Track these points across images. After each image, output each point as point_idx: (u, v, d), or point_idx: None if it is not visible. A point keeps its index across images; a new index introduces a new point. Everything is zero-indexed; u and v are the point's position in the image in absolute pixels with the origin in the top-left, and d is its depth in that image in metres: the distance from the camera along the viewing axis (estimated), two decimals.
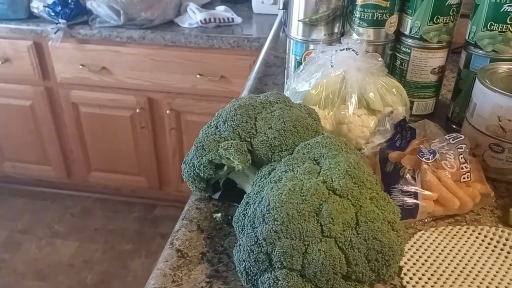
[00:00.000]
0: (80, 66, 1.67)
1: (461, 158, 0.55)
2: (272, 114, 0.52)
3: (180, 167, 0.57)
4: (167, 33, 1.57)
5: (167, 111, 1.70)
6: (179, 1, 1.68)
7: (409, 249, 0.51)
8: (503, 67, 0.65)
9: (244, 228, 0.44)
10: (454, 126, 0.75)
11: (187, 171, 0.54)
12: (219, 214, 0.55)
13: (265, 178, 0.47)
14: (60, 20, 1.58)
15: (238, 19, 1.65)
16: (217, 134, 0.52)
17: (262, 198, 0.43)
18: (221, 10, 1.67)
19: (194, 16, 1.62)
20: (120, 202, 2.05)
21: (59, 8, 1.59)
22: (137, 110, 1.71)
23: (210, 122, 0.55)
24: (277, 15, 1.51)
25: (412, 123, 0.67)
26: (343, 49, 0.63)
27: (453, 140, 0.56)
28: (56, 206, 2.07)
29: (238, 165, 0.49)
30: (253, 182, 0.48)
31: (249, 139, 0.51)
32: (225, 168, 0.52)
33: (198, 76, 1.61)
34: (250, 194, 0.47)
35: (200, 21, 1.60)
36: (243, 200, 0.47)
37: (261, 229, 0.41)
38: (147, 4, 1.59)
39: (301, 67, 0.69)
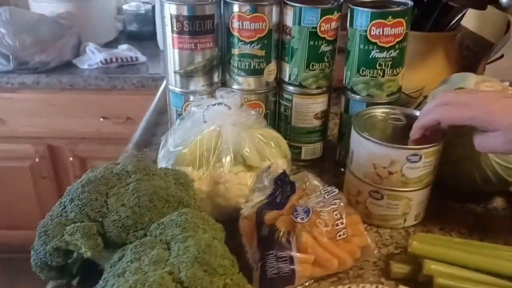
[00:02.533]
0: None
1: (336, 214, 0.53)
2: (127, 188, 0.47)
3: None
4: (64, 76, 1.47)
5: (70, 158, 1.58)
6: (77, 41, 1.59)
7: None
8: (378, 111, 0.65)
9: None
10: (342, 169, 0.74)
11: (34, 260, 0.47)
12: None
13: (114, 266, 0.41)
14: None
15: (143, 58, 1.60)
16: (64, 216, 0.46)
17: None
18: (124, 49, 1.61)
19: (94, 57, 1.54)
20: (26, 261, 1.84)
21: None
22: (36, 160, 1.58)
23: (61, 200, 0.49)
24: None
25: (300, 169, 0.65)
26: (215, 104, 0.60)
27: (327, 195, 0.54)
28: None
29: (86, 252, 0.43)
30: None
31: (100, 219, 0.45)
32: (75, 254, 0.45)
33: (101, 119, 1.52)
34: None
35: (101, 61, 1.53)
36: None
37: None
38: (41, 46, 1.49)
39: (177, 122, 0.64)
